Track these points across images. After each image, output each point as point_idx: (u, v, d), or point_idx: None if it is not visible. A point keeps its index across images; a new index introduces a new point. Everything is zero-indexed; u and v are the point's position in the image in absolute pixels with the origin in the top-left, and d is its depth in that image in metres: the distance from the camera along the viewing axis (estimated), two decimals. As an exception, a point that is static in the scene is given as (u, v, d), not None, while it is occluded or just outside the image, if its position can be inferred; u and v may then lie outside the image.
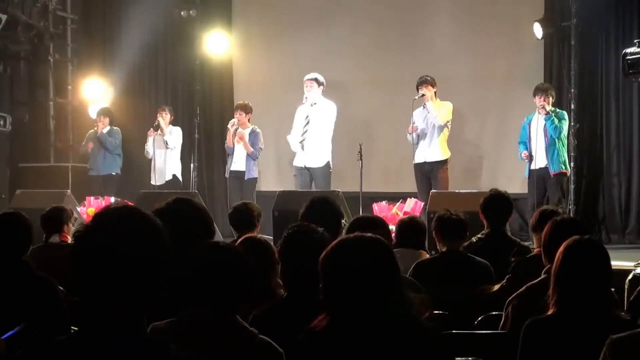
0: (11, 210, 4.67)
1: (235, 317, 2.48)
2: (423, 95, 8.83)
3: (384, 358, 2.32)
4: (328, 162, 9.19)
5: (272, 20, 11.17)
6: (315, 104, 9.20)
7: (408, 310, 2.40)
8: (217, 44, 10.65)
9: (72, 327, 3.35)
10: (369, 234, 2.54)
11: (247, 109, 9.61)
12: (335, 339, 2.36)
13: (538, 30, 9.48)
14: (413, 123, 8.91)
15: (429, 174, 8.87)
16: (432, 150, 8.88)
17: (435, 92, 8.92)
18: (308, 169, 9.13)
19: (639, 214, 9.68)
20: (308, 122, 9.18)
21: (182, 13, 11.09)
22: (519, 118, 9.88)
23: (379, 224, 3.69)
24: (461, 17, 10.42)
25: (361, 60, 10.62)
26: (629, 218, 9.73)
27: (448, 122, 8.91)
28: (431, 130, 8.88)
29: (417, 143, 8.92)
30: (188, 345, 2.27)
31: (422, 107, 8.96)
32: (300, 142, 9.18)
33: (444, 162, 8.92)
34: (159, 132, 10.06)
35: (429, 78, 8.90)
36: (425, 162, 8.86)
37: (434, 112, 8.81)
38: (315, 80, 9.17)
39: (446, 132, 8.93)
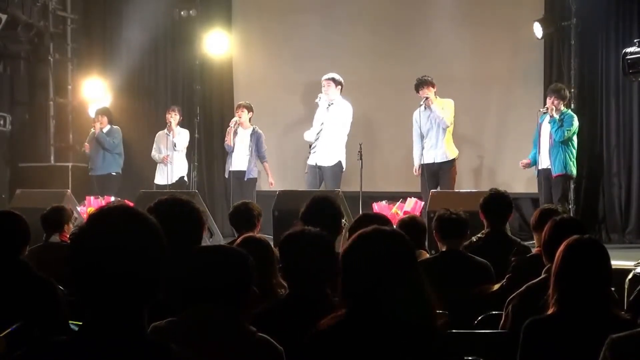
0: (8, 210, 4.64)
1: (236, 316, 2.49)
2: (427, 98, 8.79)
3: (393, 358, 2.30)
4: (340, 162, 9.15)
5: (272, 19, 11.17)
6: (332, 104, 9.17)
7: (426, 311, 2.37)
8: (217, 44, 10.66)
9: (73, 323, 3.35)
10: (389, 228, 2.51)
11: (248, 109, 9.63)
12: (347, 336, 2.34)
13: (538, 30, 9.48)
14: (419, 167, 8.85)
15: (437, 173, 8.84)
16: (439, 150, 8.83)
17: (435, 92, 8.90)
18: (319, 167, 9.11)
19: (639, 213, 9.68)
20: (323, 122, 9.15)
21: (182, 13, 11.09)
22: (519, 118, 9.91)
23: (384, 223, 3.68)
24: (461, 17, 10.41)
25: (361, 60, 10.62)
26: (629, 218, 9.73)
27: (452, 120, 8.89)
28: (436, 130, 8.83)
29: (422, 144, 8.87)
30: (188, 344, 2.27)
31: (422, 107, 8.92)
32: (315, 141, 9.17)
33: (451, 162, 8.88)
34: (167, 131, 10.04)
35: (428, 79, 8.86)
36: (434, 162, 8.82)
37: (440, 114, 8.76)
38: (332, 80, 9.14)
39: (450, 129, 8.89)
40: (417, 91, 8.89)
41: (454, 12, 10.44)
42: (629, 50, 7.47)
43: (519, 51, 10.18)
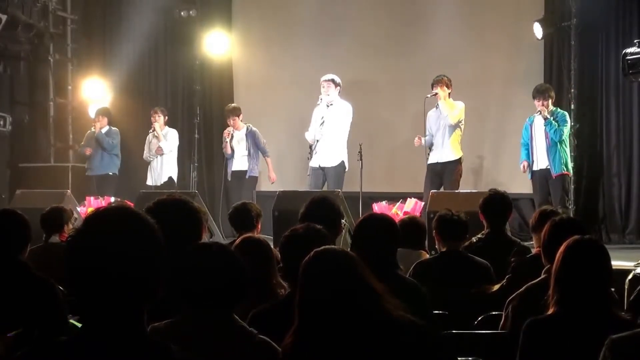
0: (11, 209, 4.64)
1: (234, 317, 2.49)
2: (436, 94, 8.72)
3: None
4: (342, 162, 9.03)
5: (272, 20, 11.18)
6: (331, 104, 9.06)
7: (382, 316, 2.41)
8: (217, 44, 10.67)
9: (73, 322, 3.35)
10: (335, 247, 2.60)
11: (237, 112, 9.65)
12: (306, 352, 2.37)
13: (538, 30, 9.48)
14: (425, 135, 8.79)
15: (441, 174, 8.80)
16: (444, 151, 8.77)
17: (449, 93, 8.78)
18: (322, 168, 9.01)
19: (639, 214, 9.68)
20: (323, 123, 9.01)
21: (182, 13, 11.10)
22: (519, 118, 9.88)
23: (388, 223, 3.68)
24: (461, 18, 10.42)
25: (361, 60, 10.62)
26: (629, 218, 9.73)
27: (460, 122, 8.76)
28: (443, 130, 8.77)
29: (431, 145, 8.84)
30: (188, 346, 2.27)
31: (435, 107, 8.86)
32: (316, 143, 9.04)
33: (455, 163, 8.77)
34: (153, 133, 10.02)
35: (445, 78, 8.76)
36: (437, 162, 8.78)
37: (445, 112, 8.70)
38: (332, 81, 9.03)
39: (459, 132, 8.80)
40: (432, 87, 8.81)
41: (454, 13, 10.45)
42: (629, 50, 7.46)
43: (519, 51, 10.18)
